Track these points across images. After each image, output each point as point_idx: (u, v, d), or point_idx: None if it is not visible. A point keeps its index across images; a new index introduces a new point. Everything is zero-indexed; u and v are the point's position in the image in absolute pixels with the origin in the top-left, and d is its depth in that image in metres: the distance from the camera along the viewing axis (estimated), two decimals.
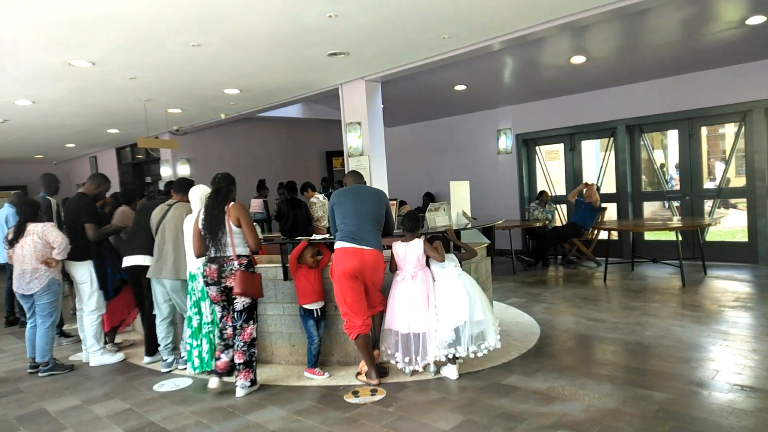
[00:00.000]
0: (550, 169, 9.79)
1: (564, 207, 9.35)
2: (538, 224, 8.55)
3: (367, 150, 6.78)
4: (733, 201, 9.25)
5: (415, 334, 3.82)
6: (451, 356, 3.83)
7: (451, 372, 3.91)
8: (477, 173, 9.77)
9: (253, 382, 3.88)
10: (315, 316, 4.13)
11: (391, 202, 5.51)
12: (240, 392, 3.83)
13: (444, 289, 3.86)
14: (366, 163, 6.74)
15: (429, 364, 3.91)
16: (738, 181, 7.99)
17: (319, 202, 7.34)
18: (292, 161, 12.17)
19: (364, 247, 3.81)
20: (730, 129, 8.02)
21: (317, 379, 4.06)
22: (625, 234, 8.39)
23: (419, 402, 3.55)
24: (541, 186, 9.63)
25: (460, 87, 8.40)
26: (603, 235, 8.46)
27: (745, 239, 7.60)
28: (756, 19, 5.68)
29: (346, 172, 5.40)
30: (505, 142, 9.62)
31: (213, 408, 3.68)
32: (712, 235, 8.20)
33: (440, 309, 3.82)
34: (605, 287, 6.74)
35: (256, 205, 9.30)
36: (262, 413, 3.54)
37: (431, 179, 10.61)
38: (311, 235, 4.49)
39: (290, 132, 12.14)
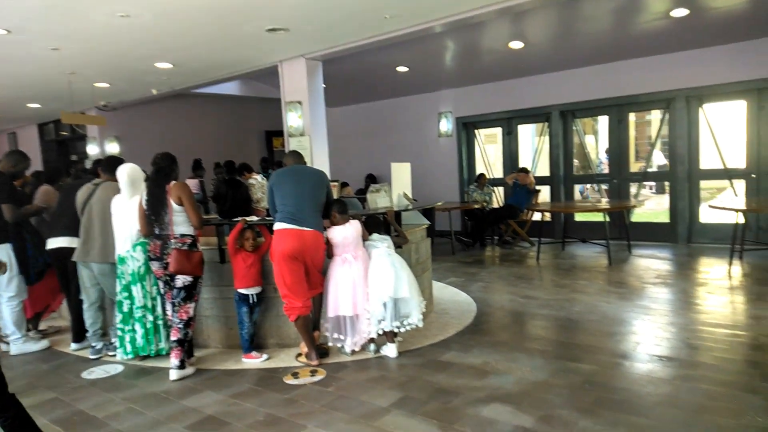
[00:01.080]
0: (489, 152, 10.03)
1: (501, 189, 9.62)
2: (476, 206, 8.76)
3: (308, 130, 6.68)
4: (654, 184, 9.84)
5: (360, 314, 3.85)
6: (381, 332, 3.89)
7: (390, 350, 3.97)
8: (418, 155, 9.85)
9: (183, 363, 3.79)
10: (250, 302, 4.07)
11: (332, 184, 5.48)
12: (173, 375, 3.74)
13: (374, 267, 3.93)
14: (307, 143, 6.64)
15: (369, 342, 3.96)
16: (663, 165, 8.48)
17: (258, 183, 7.18)
18: (230, 140, 11.80)
19: (305, 228, 3.77)
20: (656, 116, 8.48)
21: (255, 362, 4.02)
22: (557, 215, 8.75)
23: (359, 381, 3.58)
24: (479, 169, 9.85)
25: (402, 68, 8.41)
26: (537, 216, 8.78)
27: (667, 220, 8.11)
28: (679, 12, 6.00)
29: (286, 152, 5.31)
30: (446, 125, 9.74)
31: (146, 394, 3.57)
32: (637, 216, 8.70)
33: (370, 286, 3.87)
34: (538, 266, 7.02)
35: (191, 185, 8.97)
36: (198, 398, 3.46)
37: (373, 161, 10.61)
38: (250, 216, 4.39)
39: (228, 110, 11.75)
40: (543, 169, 9.23)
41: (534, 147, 9.61)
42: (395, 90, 9.85)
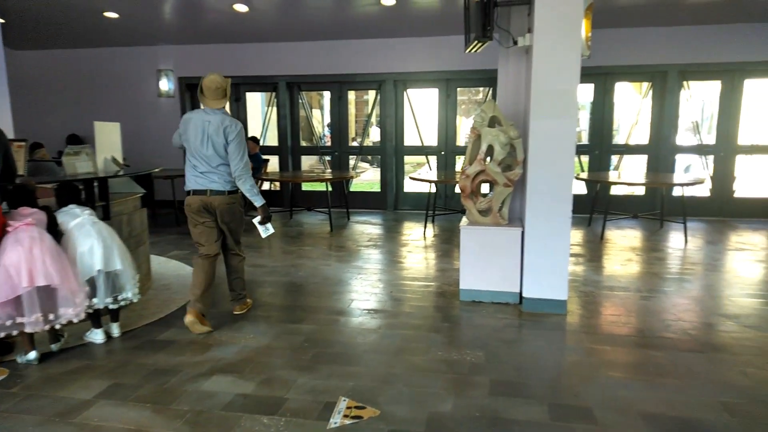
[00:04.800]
0: None
1: None
2: None
3: None
4: (370, 158, 10.95)
5: (44, 287, 3.08)
6: (91, 311, 3.41)
7: (96, 336, 3.51)
8: (135, 115, 8.87)
9: None
10: None
11: (18, 144, 4.50)
12: None
13: (77, 238, 3.35)
14: None
15: (70, 321, 3.30)
16: (375, 141, 9.45)
17: None
18: None
19: None
20: (372, 95, 9.36)
21: None
22: (285, 185, 8.99)
23: (55, 375, 3.07)
24: None
25: (111, 14, 7.33)
26: (266, 185, 8.87)
27: (379, 189, 9.12)
28: (388, 1, 6.66)
29: None
30: (167, 85, 8.95)
31: None
32: (355, 186, 9.55)
33: (73, 259, 3.29)
34: None
35: None
36: None
37: (79, 119, 9.09)
38: None
39: None
40: (272, 139, 9.32)
41: (263, 116, 9.61)
42: (105, 38, 8.56)
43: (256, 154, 8.28)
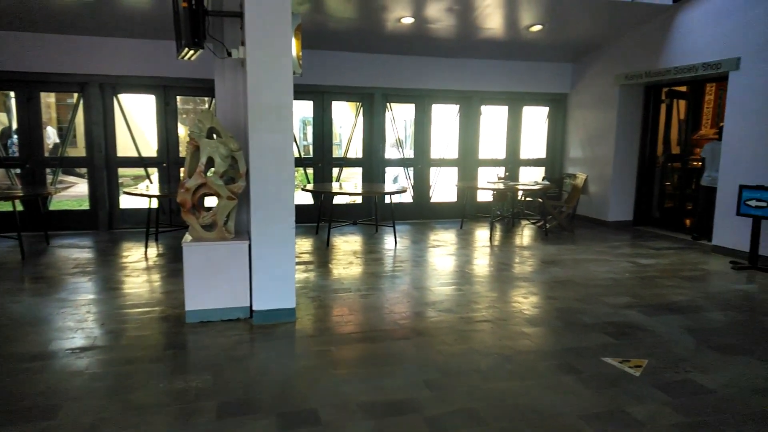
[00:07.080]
0: None
1: None
2: None
3: None
4: (80, 171, 9.53)
5: None
6: None
7: None
8: None
9: None
10: None
11: None
12: None
13: None
14: None
15: None
16: (81, 151, 8.21)
17: None
18: None
19: None
20: (76, 98, 8.12)
21: None
22: None
23: None
24: None
25: None
26: None
27: (88, 207, 7.96)
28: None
29: None
30: None
31: None
32: (57, 204, 8.16)
33: None
34: None
35: None
36: None
37: None
38: None
39: None
40: None
41: None
42: None
43: None
